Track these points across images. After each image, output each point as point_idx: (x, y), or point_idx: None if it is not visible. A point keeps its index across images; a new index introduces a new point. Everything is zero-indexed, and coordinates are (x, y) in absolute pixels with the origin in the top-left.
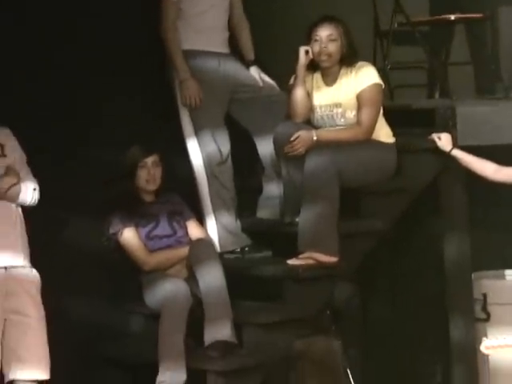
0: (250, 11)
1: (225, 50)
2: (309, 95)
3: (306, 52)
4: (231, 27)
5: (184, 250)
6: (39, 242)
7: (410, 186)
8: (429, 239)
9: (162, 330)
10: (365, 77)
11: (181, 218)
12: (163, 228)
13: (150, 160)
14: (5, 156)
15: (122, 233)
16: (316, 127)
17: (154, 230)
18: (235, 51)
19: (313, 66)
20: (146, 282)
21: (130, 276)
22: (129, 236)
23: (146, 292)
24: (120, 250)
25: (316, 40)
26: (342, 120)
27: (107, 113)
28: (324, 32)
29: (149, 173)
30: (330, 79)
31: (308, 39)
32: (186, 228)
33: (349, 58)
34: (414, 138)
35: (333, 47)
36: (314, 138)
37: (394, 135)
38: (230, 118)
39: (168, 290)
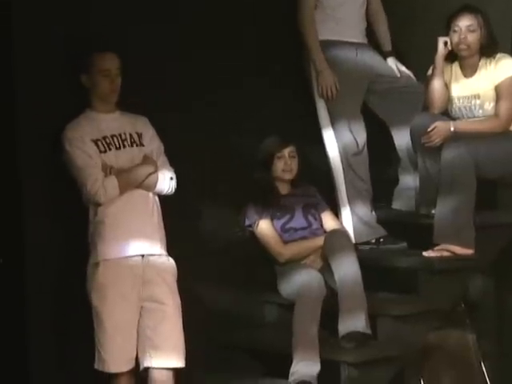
0: (388, 2)
1: (362, 40)
2: (447, 86)
3: (445, 43)
4: (369, 18)
5: (319, 241)
6: (175, 230)
7: None
8: None
9: (297, 320)
10: (504, 69)
11: (316, 210)
12: (298, 220)
13: (286, 151)
14: (142, 145)
15: (257, 224)
16: (453, 118)
17: (289, 222)
18: (373, 42)
19: (452, 57)
20: (280, 272)
21: (264, 266)
22: (264, 228)
23: (281, 282)
24: (255, 240)
25: (455, 30)
26: (480, 111)
27: (245, 104)
28: (463, 22)
29: (285, 163)
30: (468, 70)
31: (447, 29)
32: (320, 220)
33: (488, 49)
34: None
35: (472, 38)
36: (452, 129)
37: None
38: (366, 109)
39: (302, 280)
